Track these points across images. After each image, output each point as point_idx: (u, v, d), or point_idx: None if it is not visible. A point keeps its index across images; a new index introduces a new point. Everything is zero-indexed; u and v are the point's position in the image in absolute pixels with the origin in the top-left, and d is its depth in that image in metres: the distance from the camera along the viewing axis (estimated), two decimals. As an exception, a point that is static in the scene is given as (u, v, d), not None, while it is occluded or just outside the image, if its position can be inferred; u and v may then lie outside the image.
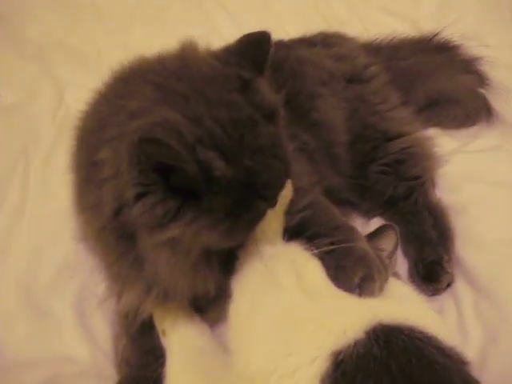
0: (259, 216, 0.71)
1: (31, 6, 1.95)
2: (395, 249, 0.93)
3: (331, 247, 0.79)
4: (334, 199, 0.98)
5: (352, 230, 0.86)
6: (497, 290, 0.89)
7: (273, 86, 1.06)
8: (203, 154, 0.61)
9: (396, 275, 0.91)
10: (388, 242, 0.92)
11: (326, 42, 1.27)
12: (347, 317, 0.69)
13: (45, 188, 1.25)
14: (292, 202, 0.84)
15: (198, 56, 0.74)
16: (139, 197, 0.63)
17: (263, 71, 0.72)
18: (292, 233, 0.82)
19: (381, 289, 0.78)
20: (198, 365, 0.81)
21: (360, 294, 0.75)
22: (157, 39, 1.74)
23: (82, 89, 1.57)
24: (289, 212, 0.84)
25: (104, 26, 1.87)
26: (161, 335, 0.84)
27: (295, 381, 0.63)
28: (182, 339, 0.83)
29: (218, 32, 1.73)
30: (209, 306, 0.84)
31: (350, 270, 0.76)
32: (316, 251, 0.79)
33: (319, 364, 0.63)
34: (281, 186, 0.72)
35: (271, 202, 0.72)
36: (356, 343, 0.63)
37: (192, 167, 0.59)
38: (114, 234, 0.71)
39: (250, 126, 0.66)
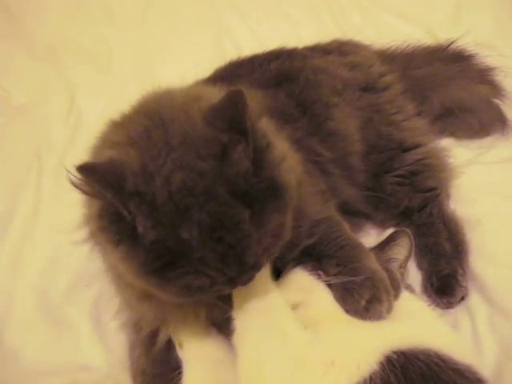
0: (203, 288, 0.67)
1: (43, 6, 1.95)
2: (409, 256, 0.93)
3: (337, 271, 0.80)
4: (348, 211, 0.98)
5: (359, 248, 0.86)
6: (510, 304, 0.89)
7: (288, 96, 1.08)
8: (134, 206, 0.62)
9: (409, 288, 0.91)
10: (401, 250, 0.92)
11: (340, 49, 1.27)
12: (358, 350, 0.70)
13: (59, 193, 1.25)
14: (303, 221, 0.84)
15: (194, 111, 0.69)
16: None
17: (244, 134, 0.65)
18: (300, 252, 0.83)
19: (389, 310, 0.78)
20: (214, 377, 0.82)
21: (367, 318, 0.76)
22: (168, 40, 1.77)
23: (93, 89, 1.63)
24: (298, 231, 0.83)
25: (115, 27, 1.86)
26: (178, 347, 0.84)
27: None
28: (198, 352, 0.84)
29: (230, 35, 1.73)
30: (225, 318, 0.85)
31: (357, 293, 0.77)
32: (322, 277, 0.80)
33: None
34: (237, 272, 0.67)
35: (221, 281, 0.68)
36: (372, 376, 0.65)
37: (118, 210, 0.62)
38: None
39: (204, 198, 0.62)
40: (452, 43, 1.32)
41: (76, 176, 0.64)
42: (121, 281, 0.79)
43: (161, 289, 0.68)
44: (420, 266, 1.02)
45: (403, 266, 0.91)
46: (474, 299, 0.95)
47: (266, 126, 0.74)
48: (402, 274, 0.91)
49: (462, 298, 0.96)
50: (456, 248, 1.00)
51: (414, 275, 1.02)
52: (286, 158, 0.73)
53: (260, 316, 0.76)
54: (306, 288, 0.82)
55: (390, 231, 1.08)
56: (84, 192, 0.66)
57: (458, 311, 0.95)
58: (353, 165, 1.07)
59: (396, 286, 0.83)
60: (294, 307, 0.79)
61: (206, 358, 0.83)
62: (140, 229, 0.62)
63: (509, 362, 0.83)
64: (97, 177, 0.61)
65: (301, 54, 1.22)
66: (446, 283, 0.96)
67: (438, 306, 0.94)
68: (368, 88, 1.17)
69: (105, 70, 1.70)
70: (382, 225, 1.10)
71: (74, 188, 0.66)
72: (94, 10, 1.94)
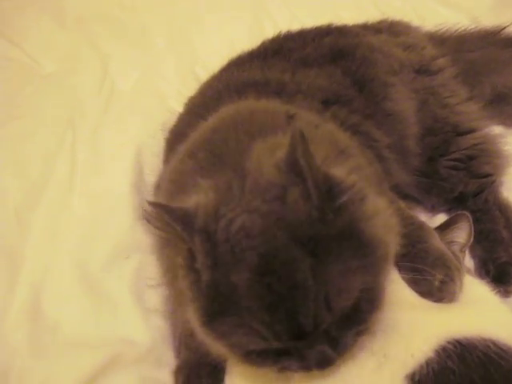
0: (258, 352, 0.60)
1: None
2: (469, 240, 0.90)
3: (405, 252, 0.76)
4: (398, 195, 0.96)
5: (423, 228, 0.83)
6: None
7: (344, 74, 1.05)
8: (198, 242, 0.59)
9: (470, 272, 0.89)
10: (461, 234, 0.89)
11: (391, 30, 1.25)
12: (412, 339, 0.67)
13: (95, 162, 1.23)
14: None
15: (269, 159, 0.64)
16: None
17: (300, 176, 0.58)
18: None
19: (461, 289, 0.76)
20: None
21: (441, 298, 0.73)
22: (203, 14, 1.73)
23: (126, 61, 1.60)
24: None
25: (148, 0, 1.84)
26: None
27: None
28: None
29: (268, 13, 1.70)
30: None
31: (429, 273, 0.74)
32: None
33: None
34: (292, 335, 0.56)
35: (276, 345, 0.58)
36: (428, 362, 0.63)
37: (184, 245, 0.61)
38: None
39: (259, 240, 0.56)
40: (504, 29, 1.30)
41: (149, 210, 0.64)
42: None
43: (216, 344, 0.61)
44: (473, 254, 1.00)
45: (463, 250, 0.89)
46: (529, 289, 0.94)
47: (345, 173, 0.65)
48: (463, 258, 0.89)
49: (519, 289, 0.94)
50: (513, 236, 0.98)
51: (466, 262, 1.00)
52: (380, 212, 0.64)
53: None
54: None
55: (440, 217, 1.07)
56: (157, 227, 0.65)
57: (512, 300, 0.93)
58: (409, 148, 1.05)
59: (461, 268, 0.81)
60: None
61: None
62: (198, 267, 0.59)
63: None
64: (169, 210, 0.61)
65: (353, 31, 1.19)
66: (503, 271, 0.94)
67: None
68: (421, 70, 1.15)
69: (137, 43, 1.68)
70: (433, 210, 1.08)
71: (147, 222, 0.65)
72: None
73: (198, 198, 0.63)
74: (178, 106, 1.19)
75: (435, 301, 0.73)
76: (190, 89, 1.17)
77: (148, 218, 0.66)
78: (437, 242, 0.80)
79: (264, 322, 0.56)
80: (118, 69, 1.57)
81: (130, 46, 1.66)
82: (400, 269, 0.75)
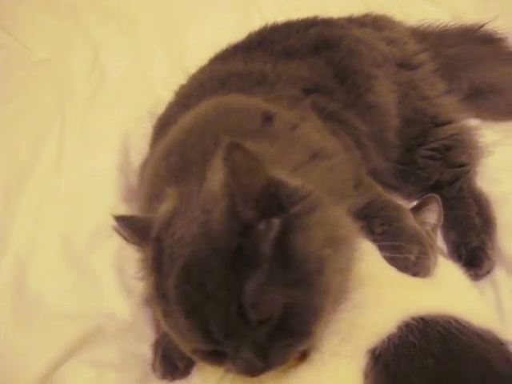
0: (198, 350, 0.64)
1: (64, -36, 1.92)
2: (440, 220, 0.94)
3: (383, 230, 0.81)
4: (377, 182, 0.99)
5: (399, 208, 0.87)
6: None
7: (327, 64, 1.08)
8: (152, 249, 0.65)
9: (441, 252, 0.93)
10: (432, 215, 0.93)
11: (376, 24, 1.28)
12: (378, 317, 0.70)
13: (82, 145, 1.26)
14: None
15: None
16: None
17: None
18: None
19: (435, 265, 0.80)
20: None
21: (417, 272, 0.77)
22: (193, 5, 1.76)
23: (116, 49, 1.62)
24: None
25: (139, -11, 1.85)
26: None
27: (339, 380, 0.66)
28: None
29: (256, 5, 1.73)
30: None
31: (405, 249, 0.78)
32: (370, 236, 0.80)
33: (357, 362, 0.65)
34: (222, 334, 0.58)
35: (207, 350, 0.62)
36: (389, 337, 0.65)
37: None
38: None
39: (188, 249, 0.59)
40: (483, 26, 1.34)
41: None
42: None
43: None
44: (447, 239, 1.04)
45: (435, 230, 0.93)
46: (499, 273, 0.97)
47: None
48: (435, 238, 0.92)
49: (488, 272, 0.98)
50: (485, 222, 1.02)
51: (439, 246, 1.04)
52: (326, 224, 0.63)
53: None
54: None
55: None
56: (123, 237, 0.69)
57: (483, 283, 0.97)
58: (389, 140, 1.09)
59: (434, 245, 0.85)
60: None
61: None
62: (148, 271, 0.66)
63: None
64: (130, 222, 0.69)
65: (338, 23, 1.22)
66: (474, 255, 0.97)
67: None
68: (403, 64, 1.19)
69: (128, 31, 1.71)
70: (410, 197, 1.11)
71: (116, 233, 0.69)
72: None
73: (164, 207, 0.67)
74: (165, 95, 1.20)
75: (412, 275, 0.77)
76: (179, 79, 1.19)
77: (116, 229, 0.68)
78: (412, 221, 0.84)
79: (184, 326, 0.59)
80: (108, 57, 1.60)
81: (120, 36, 1.69)
82: (379, 247, 0.79)
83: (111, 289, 0.95)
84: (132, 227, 0.68)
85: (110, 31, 1.70)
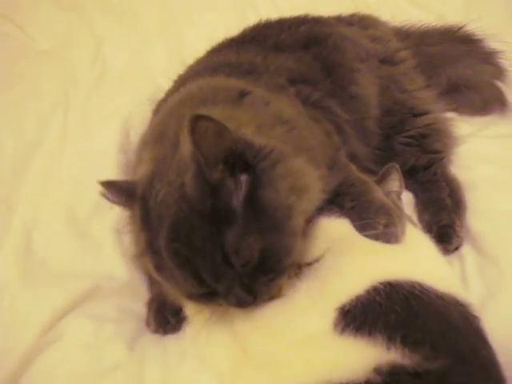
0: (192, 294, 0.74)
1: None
2: (402, 187, 1.02)
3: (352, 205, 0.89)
4: (358, 168, 1.07)
5: (367, 183, 0.95)
6: (499, 254, 1.00)
7: (315, 58, 1.17)
8: (137, 208, 0.75)
9: (409, 219, 1.00)
10: (395, 183, 1.01)
11: (362, 23, 1.37)
12: (347, 280, 0.78)
13: (85, 127, 1.34)
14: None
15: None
16: None
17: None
18: None
19: (403, 231, 0.88)
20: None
21: (386, 240, 0.85)
22: (191, 3, 1.84)
23: (117, 41, 1.70)
24: None
25: (141, -15, 1.93)
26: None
27: (314, 328, 0.74)
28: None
29: (254, 7, 1.81)
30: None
31: (374, 221, 0.86)
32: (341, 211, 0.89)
33: (328, 315, 0.73)
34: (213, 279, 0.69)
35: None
36: (358, 297, 0.74)
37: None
38: None
39: (172, 210, 0.68)
40: (462, 27, 1.43)
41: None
42: None
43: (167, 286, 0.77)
44: (421, 219, 1.12)
45: (399, 196, 1.01)
46: (466, 249, 1.05)
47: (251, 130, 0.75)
48: (401, 203, 1.01)
49: (456, 248, 1.06)
50: (456, 203, 1.10)
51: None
52: (291, 175, 0.72)
53: None
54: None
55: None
56: (112, 201, 0.78)
57: (451, 258, 1.05)
58: (369, 128, 1.17)
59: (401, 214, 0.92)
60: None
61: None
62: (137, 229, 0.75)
63: (491, 298, 0.93)
64: (116, 185, 0.78)
65: (327, 22, 1.31)
66: (444, 232, 1.05)
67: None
68: (386, 60, 1.28)
69: (129, 24, 1.79)
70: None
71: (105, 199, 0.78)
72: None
73: (141, 169, 0.77)
74: (165, 84, 1.28)
75: (382, 242, 0.85)
76: (177, 69, 1.27)
77: (105, 195, 0.77)
78: (379, 194, 0.92)
79: (179, 276, 0.69)
80: (110, 49, 1.67)
81: (121, 28, 1.77)
82: (350, 220, 0.88)
83: (110, 252, 1.04)
84: (118, 190, 0.77)
85: (111, 24, 1.78)
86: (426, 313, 0.74)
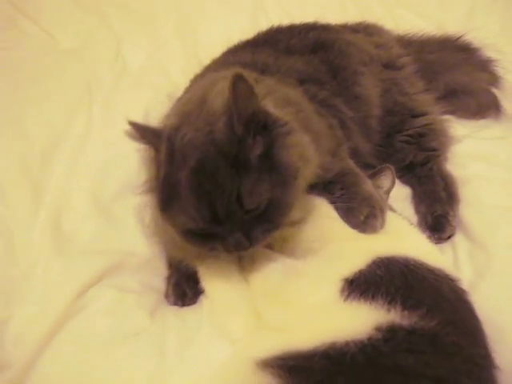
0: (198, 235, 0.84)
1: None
2: (392, 186, 1.11)
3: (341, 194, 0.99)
4: (360, 162, 1.17)
5: (358, 176, 1.04)
6: (487, 241, 1.09)
7: (322, 62, 1.27)
8: (161, 147, 0.85)
9: (392, 209, 1.09)
10: (386, 181, 1.10)
11: (367, 30, 1.48)
12: (351, 257, 0.89)
13: (108, 118, 1.43)
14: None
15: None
16: None
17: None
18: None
19: (382, 225, 0.97)
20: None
21: (365, 230, 0.95)
22: (208, 8, 1.95)
23: (137, 44, 1.80)
24: None
25: (158, -12, 2.02)
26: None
27: (322, 297, 0.85)
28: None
29: (264, 10, 1.93)
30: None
31: (357, 210, 0.96)
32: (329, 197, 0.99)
33: (334, 286, 0.84)
34: (212, 220, 0.80)
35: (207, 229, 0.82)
36: (360, 271, 0.84)
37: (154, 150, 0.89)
38: None
39: (199, 151, 0.79)
40: (461, 36, 1.54)
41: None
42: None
43: (168, 227, 0.86)
44: (417, 210, 1.22)
45: (387, 193, 1.10)
46: (458, 237, 1.15)
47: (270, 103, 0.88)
48: (387, 200, 1.10)
49: (450, 237, 1.15)
50: (450, 196, 1.20)
51: (411, 218, 1.21)
52: (299, 146, 0.86)
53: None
54: (315, 205, 0.99)
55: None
56: (137, 140, 0.89)
57: (444, 246, 1.14)
58: (371, 126, 1.27)
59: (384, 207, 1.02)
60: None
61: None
62: (160, 162, 0.84)
63: (480, 280, 1.03)
64: (144, 127, 0.89)
65: (335, 29, 1.42)
66: (438, 222, 1.15)
67: (429, 240, 1.13)
68: (388, 65, 1.38)
69: (147, 26, 1.87)
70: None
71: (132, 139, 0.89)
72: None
73: (168, 121, 0.90)
74: (182, 83, 1.35)
75: (360, 231, 0.95)
76: (194, 69, 1.35)
77: (131, 134, 0.88)
78: (368, 187, 1.01)
79: (194, 206, 0.79)
80: (129, 49, 1.76)
81: (140, 30, 1.86)
82: (335, 207, 0.98)
83: (132, 232, 1.14)
84: (144, 131, 0.88)
85: (130, 26, 1.86)
86: (421, 285, 0.84)
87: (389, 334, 0.73)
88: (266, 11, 1.91)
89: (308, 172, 0.87)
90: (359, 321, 0.77)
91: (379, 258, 0.86)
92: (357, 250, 0.92)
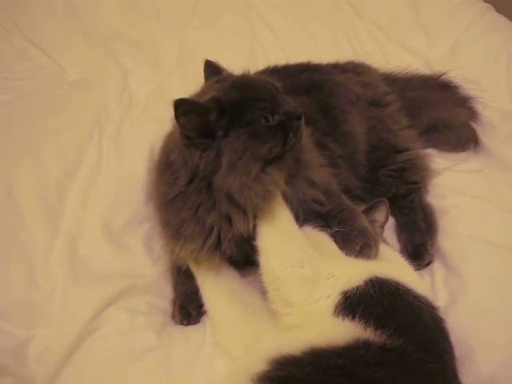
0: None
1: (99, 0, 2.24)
2: (386, 219, 1.23)
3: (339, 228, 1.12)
4: (349, 195, 1.27)
5: (354, 211, 1.17)
6: (462, 269, 1.20)
7: (313, 102, 1.40)
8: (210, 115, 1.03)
9: (386, 242, 1.22)
10: (380, 215, 1.22)
11: (355, 70, 1.61)
12: (351, 271, 1.00)
13: (118, 152, 1.54)
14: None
15: None
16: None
17: None
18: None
19: (376, 254, 1.10)
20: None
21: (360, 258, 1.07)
22: (209, 44, 2.08)
23: (142, 77, 1.92)
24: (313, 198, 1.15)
25: (162, 25, 2.17)
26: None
27: (318, 307, 0.96)
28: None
29: (261, 45, 2.05)
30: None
31: (353, 241, 1.08)
32: (328, 231, 1.11)
33: (333, 298, 0.96)
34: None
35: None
36: (358, 287, 0.96)
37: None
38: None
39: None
40: (442, 75, 1.68)
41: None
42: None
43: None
44: (399, 239, 1.34)
45: (382, 226, 1.22)
46: (435, 264, 1.26)
47: None
48: (382, 232, 1.22)
49: (428, 264, 1.27)
50: (429, 226, 1.32)
51: (395, 246, 1.33)
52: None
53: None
54: (316, 238, 1.11)
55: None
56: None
57: (423, 272, 1.26)
58: (358, 160, 1.39)
59: (378, 239, 1.14)
60: None
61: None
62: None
63: (453, 305, 1.14)
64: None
65: (325, 70, 1.55)
66: (418, 250, 1.27)
67: (410, 266, 1.25)
68: (374, 103, 1.51)
69: (152, 61, 1.99)
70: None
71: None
72: (143, 7, 2.25)
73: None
74: None
75: None
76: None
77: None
78: (363, 221, 1.14)
79: None
80: (135, 82, 1.86)
81: (145, 64, 1.97)
82: (334, 239, 1.10)
83: (141, 258, 1.27)
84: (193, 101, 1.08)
85: (136, 60, 1.98)
86: (404, 309, 0.95)
87: (363, 346, 0.85)
88: (263, 46, 2.04)
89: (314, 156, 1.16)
90: (339, 334, 0.88)
91: (376, 277, 0.97)
92: (358, 265, 1.04)
